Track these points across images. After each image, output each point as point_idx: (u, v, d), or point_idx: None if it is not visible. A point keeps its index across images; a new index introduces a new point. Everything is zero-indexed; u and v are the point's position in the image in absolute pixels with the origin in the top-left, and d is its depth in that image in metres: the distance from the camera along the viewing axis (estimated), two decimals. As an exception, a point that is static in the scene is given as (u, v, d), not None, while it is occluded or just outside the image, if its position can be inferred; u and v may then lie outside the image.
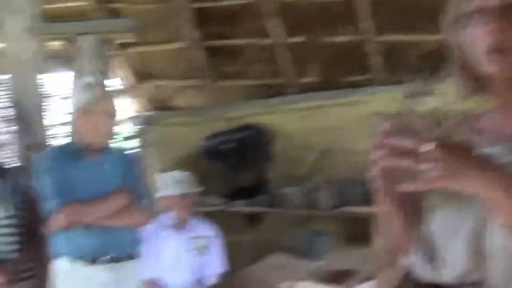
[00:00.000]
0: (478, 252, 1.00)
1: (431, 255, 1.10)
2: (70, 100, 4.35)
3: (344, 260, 3.74)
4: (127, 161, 2.72)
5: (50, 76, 4.69)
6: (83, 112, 2.55)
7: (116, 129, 2.74)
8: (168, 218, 3.38)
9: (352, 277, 3.18)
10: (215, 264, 3.43)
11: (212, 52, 4.64)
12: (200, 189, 3.47)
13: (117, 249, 2.58)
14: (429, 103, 4.03)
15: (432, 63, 4.07)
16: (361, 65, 4.41)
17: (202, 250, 3.37)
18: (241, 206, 4.21)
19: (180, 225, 3.36)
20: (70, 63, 4.35)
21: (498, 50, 1.01)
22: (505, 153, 1.04)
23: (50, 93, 4.89)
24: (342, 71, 4.48)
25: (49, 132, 3.46)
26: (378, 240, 2.37)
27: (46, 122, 3.37)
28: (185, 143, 4.54)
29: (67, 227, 2.47)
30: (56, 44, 4.35)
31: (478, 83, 1.09)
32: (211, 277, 3.40)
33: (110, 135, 2.66)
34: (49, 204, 2.47)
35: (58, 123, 4.86)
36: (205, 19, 4.52)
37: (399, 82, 4.29)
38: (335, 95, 4.42)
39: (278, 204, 4.08)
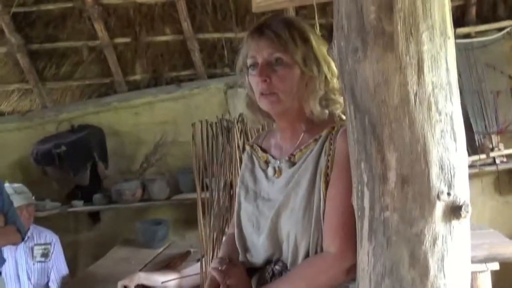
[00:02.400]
0: (275, 240, 1.33)
1: (245, 248, 1.42)
2: None
3: (184, 243, 3.91)
4: None
5: None
6: None
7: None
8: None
9: (190, 257, 3.33)
10: (59, 268, 3.37)
11: (37, 55, 4.41)
12: (33, 197, 3.42)
13: None
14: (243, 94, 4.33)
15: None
16: (184, 61, 4.54)
17: (44, 257, 3.31)
18: (79, 206, 4.11)
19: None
20: None
21: (266, 94, 1.31)
22: (285, 166, 1.35)
23: None
24: (167, 68, 4.56)
25: None
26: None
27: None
28: (16, 149, 4.30)
29: None
30: None
31: (264, 113, 1.39)
32: (56, 282, 3.33)
33: None
34: None
35: None
36: (26, 23, 4.31)
37: (218, 75, 4.53)
38: (162, 91, 4.49)
39: (116, 199, 4.06)
